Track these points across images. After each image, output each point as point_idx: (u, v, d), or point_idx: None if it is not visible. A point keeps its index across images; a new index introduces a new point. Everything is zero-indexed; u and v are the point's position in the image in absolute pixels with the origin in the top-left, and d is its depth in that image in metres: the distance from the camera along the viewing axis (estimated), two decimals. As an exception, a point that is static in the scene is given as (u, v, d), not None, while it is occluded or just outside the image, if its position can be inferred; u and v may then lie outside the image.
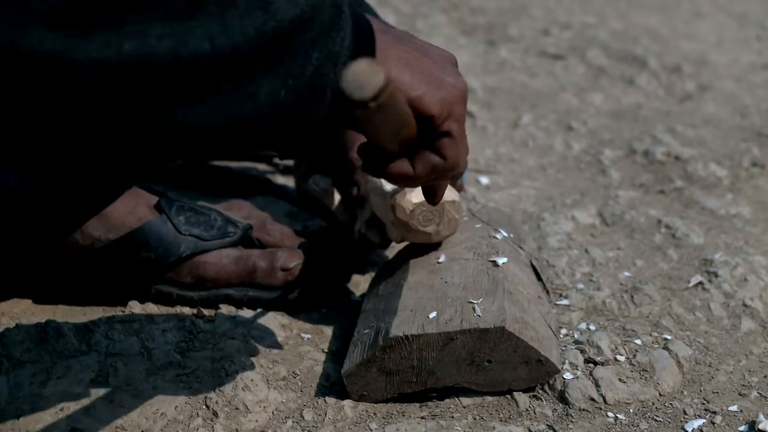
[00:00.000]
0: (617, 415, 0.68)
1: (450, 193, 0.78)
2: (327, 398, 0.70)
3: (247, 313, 0.81)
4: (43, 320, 0.77)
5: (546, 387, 0.70)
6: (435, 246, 0.81)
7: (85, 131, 0.46)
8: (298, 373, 0.74)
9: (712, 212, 1.06)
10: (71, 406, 0.68)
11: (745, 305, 0.84)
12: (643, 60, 1.72)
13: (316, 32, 0.47)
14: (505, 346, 0.67)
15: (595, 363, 0.73)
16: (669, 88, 1.61)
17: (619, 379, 0.71)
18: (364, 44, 0.52)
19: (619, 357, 0.74)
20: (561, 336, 0.78)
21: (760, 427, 0.65)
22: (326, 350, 0.77)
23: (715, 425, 0.67)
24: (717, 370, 0.74)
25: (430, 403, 0.70)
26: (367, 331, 0.72)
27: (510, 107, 1.47)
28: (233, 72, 0.45)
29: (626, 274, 0.90)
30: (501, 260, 0.76)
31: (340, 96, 0.44)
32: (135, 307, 0.81)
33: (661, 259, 0.94)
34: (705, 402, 0.70)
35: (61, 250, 0.78)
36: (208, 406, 0.68)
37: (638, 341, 0.76)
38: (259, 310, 0.81)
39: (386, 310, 0.73)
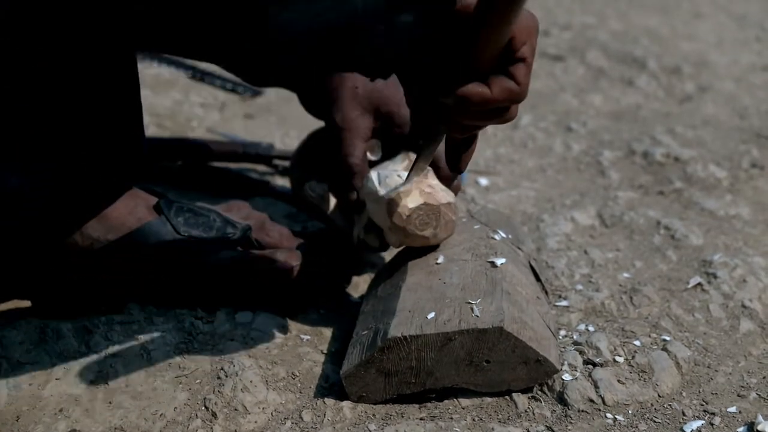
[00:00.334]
0: (616, 416, 0.68)
1: (446, 195, 0.78)
2: (326, 399, 0.70)
3: (246, 314, 0.81)
4: (43, 321, 0.77)
5: (545, 388, 0.70)
6: (433, 247, 0.81)
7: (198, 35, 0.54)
8: (297, 374, 0.74)
9: (712, 213, 1.06)
10: (71, 407, 0.68)
11: (744, 306, 0.84)
12: (643, 61, 1.72)
13: None
14: (504, 347, 0.67)
15: (594, 364, 0.73)
16: (668, 89, 1.61)
17: (618, 381, 0.71)
18: None
19: (618, 358, 0.74)
20: (560, 337, 0.78)
21: (759, 428, 0.65)
22: (325, 351, 0.77)
23: (714, 426, 0.67)
24: (716, 371, 0.74)
25: (429, 404, 0.70)
26: (365, 332, 0.72)
27: (510, 108, 1.47)
28: None
29: (625, 275, 0.91)
30: (499, 261, 0.76)
31: None
32: (134, 308, 0.81)
33: (661, 260, 0.94)
34: (704, 403, 0.70)
35: (61, 250, 0.78)
36: (207, 407, 0.68)
37: (637, 342, 0.76)
38: (258, 311, 0.81)
39: (385, 311, 0.73)
